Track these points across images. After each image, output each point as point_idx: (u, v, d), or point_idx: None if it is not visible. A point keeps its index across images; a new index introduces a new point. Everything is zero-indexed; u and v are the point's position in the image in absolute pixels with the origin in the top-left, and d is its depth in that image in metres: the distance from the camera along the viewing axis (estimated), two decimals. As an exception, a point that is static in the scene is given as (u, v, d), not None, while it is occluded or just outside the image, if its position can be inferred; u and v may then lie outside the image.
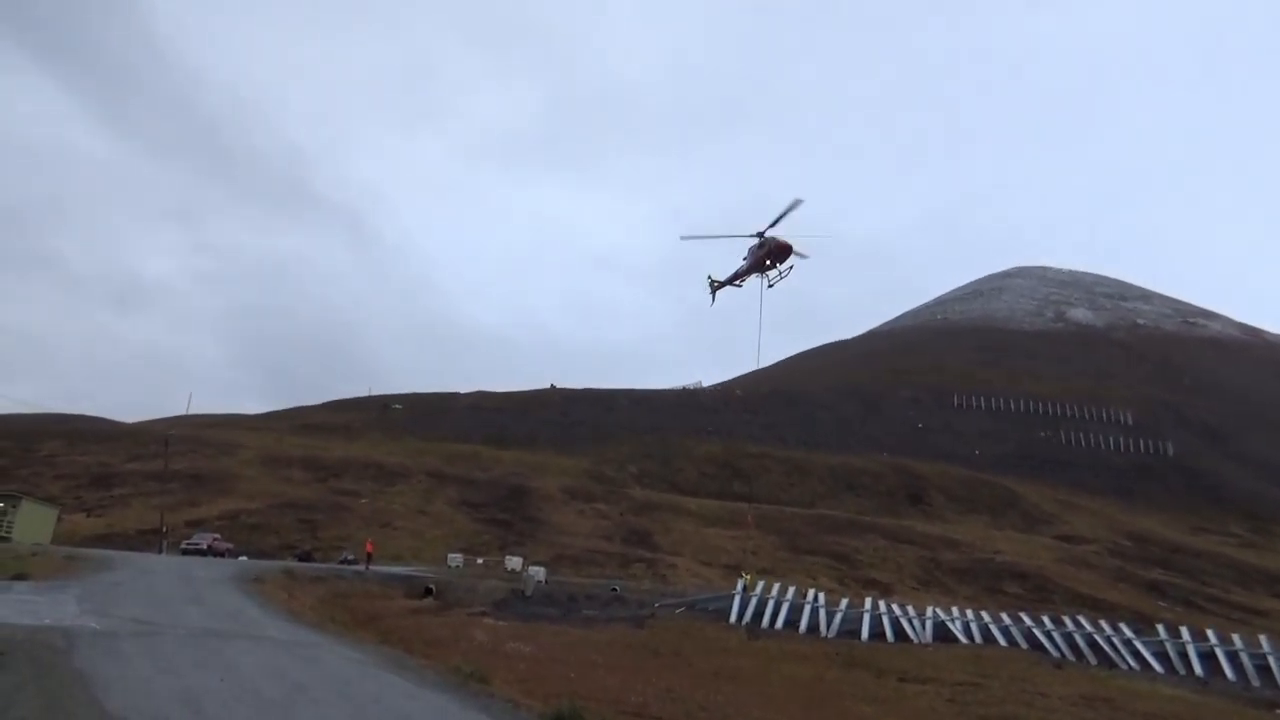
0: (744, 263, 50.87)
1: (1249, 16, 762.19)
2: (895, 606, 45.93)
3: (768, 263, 48.48)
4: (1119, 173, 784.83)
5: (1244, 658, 39.74)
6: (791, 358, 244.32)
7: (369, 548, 58.15)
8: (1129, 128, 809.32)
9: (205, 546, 57.48)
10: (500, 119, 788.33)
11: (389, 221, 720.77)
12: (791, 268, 48.42)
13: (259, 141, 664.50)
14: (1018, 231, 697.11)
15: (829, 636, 41.37)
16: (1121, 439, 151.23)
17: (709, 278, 54.82)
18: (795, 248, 47.78)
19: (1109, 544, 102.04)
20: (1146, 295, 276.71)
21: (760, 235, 48.03)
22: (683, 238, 48.11)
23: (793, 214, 45.39)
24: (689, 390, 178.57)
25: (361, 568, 53.81)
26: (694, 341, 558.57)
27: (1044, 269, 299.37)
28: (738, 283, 52.74)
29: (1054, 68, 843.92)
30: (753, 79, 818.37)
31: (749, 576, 59.37)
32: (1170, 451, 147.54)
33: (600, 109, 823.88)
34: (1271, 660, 39.35)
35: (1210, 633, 43.15)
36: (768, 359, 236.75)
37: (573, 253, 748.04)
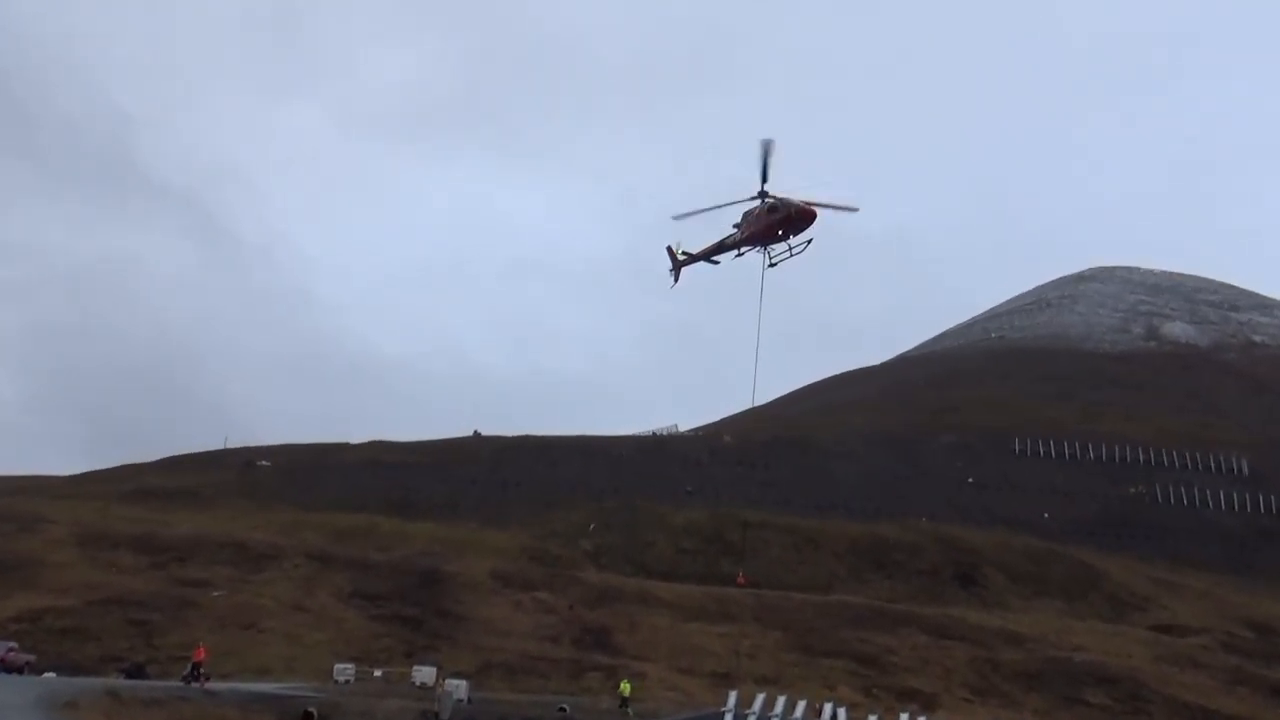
0: (736, 231, 50.67)
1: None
2: (941, 725, 46.25)
3: (779, 233, 48.19)
4: (1225, 145, 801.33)
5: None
6: (799, 391, 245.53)
7: (199, 655, 57.02)
8: (1234, 89, 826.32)
9: (-1, 659, 56.47)
10: (403, 78, 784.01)
11: (251, 214, 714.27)
12: (809, 241, 48.41)
13: (71, 107, 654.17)
14: (1094, 221, 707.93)
15: (853, 768, 41.50)
16: (1235, 495, 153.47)
17: (670, 249, 54.70)
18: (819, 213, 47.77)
19: (1222, 635, 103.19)
20: (1265, 304, 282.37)
21: (764, 195, 47.72)
22: (675, 217, 48.17)
23: (770, 161, 45.73)
24: (661, 437, 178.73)
25: (198, 684, 53.30)
26: (667, 371, 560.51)
27: (1129, 270, 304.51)
28: (714, 259, 52.75)
29: (1138, 5, 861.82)
30: (735, 26, 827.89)
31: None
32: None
33: (537, 66, 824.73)
34: None
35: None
36: (767, 393, 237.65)
37: (502, 254, 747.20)
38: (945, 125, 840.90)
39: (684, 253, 54.48)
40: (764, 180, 47.05)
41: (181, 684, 53.80)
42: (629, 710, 55.86)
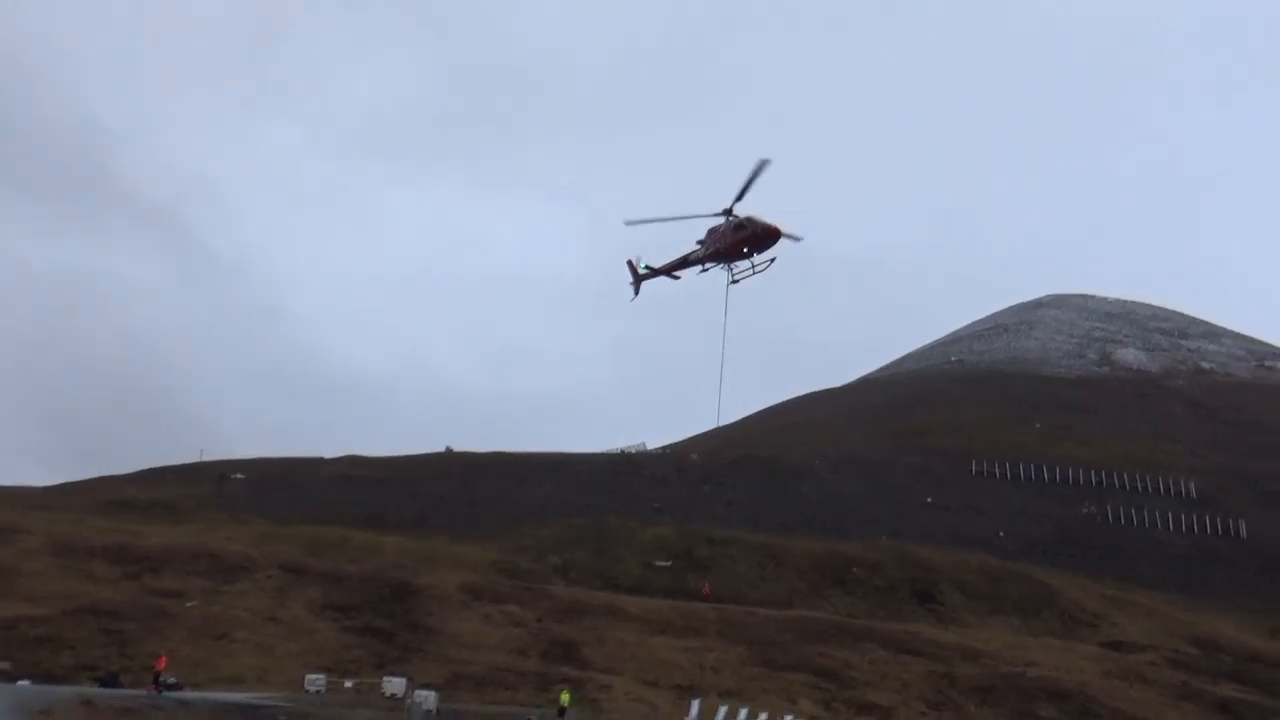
0: (700, 247, 51.11)
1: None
2: (896, 737, 46.63)
3: (744, 250, 48.71)
4: (1176, 179, 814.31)
5: (1334, 796, 41.21)
6: (764, 411, 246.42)
7: (161, 664, 57.11)
8: (1187, 124, 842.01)
9: (-29, 668, 56.15)
10: (383, 97, 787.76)
11: (226, 229, 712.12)
12: (773, 260, 48.91)
13: (44, 117, 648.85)
14: (1051, 250, 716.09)
15: (811, 778, 41.81)
16: (1183, 516, 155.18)
17: (630, 264, 54.98)
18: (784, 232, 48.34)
19: (1169, 652, 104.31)
20: (1213, 332, 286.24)
21: (728, 213, 48.28)
22: (628, 223, 48.37)
23: (759, 182, 46.17)
24: (630, 455, 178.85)
25: (157, 691, 53.15)
26: (636, 390, 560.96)
27: (1085, 298, 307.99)
28: (676, 274, 53.18)
29: (1097, 42, 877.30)
30: (710, 54, 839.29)
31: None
32: (1243, 532, 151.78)
33: (514, 87, 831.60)
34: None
35: (1293, 765, 44.67)
36: (734, 412, 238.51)
37: (476, 274, 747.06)
38: (910, 155, 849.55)
39: (646, 266, 54.71)
40: (739, 199, 47.60)
41: (151, 693, 53.58)
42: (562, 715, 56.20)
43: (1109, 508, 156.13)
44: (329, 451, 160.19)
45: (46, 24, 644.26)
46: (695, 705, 47.13)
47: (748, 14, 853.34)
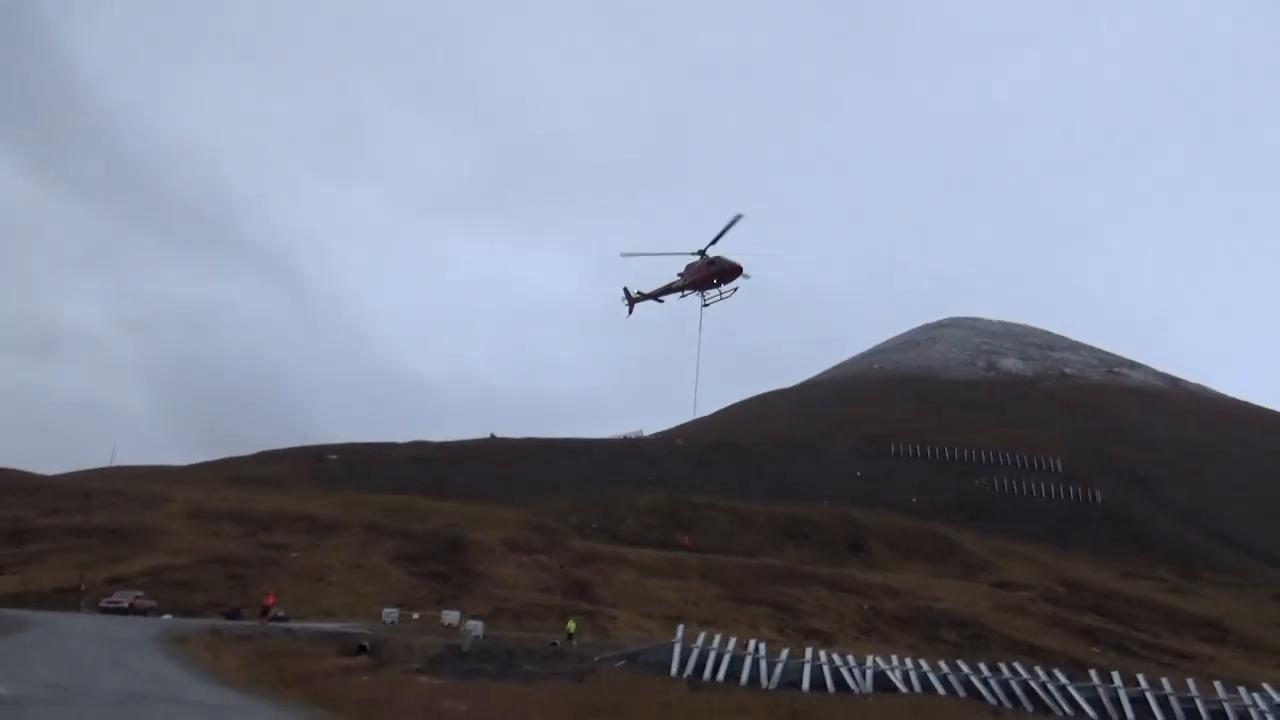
0: (679, 278, 50.89)
1: (1164, 69, 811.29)
2: (836, 656, 46.07)
3: (714, 282, 48.69)
4: (1045, 229, 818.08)
5: (1173, 702, 40.80)
6: (732, 406, 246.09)
7: (270, 601, 56.45)
8: (1055, 181, 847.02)
9: (126, 605, 55.54)
10: (438, 170, 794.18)
11: (324, 271, 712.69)
12: (736, 289, 48.87)
13: (188, 186, 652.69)
14: (949, 282, 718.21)
15: (770, 688, 41.34)
16: (1053, 486, 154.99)
17: (625, 290, 54.77)
18: (744, 268, 48.29)
19: (1044, 590, 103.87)
20: (1074, 346, 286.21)
21: (702, 253, 48.32)
22: (624, 254, 48.11)
23: (732, 230, 46.10)
24: (630, 439, 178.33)
25: (268, 622, 52.57)
26: (634, 390, 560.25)
27: (975, 320, 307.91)
28: (661, 299, 52.99)
29: (979, 123, 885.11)
30: (687, 133, 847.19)
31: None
32: (1099, 498, 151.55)
33: (538, 161, 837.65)
34: (1199, 704, 40.45)
35: (1141, 678, 44.21)
36: (708, 407, 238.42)
37: (511, 305, 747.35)
38: (844, 210, 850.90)
39: (638, 292, 54.41)
40: (712, 243, 47.40)
41: (262, 624, 53.02)
42: (574, 642, 55.58)
43: (996, 480, 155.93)
44: (401, 438, 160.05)
45: (184, 116, 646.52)
46: (680, 631, 46.57)
47: (719, 105, 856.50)
